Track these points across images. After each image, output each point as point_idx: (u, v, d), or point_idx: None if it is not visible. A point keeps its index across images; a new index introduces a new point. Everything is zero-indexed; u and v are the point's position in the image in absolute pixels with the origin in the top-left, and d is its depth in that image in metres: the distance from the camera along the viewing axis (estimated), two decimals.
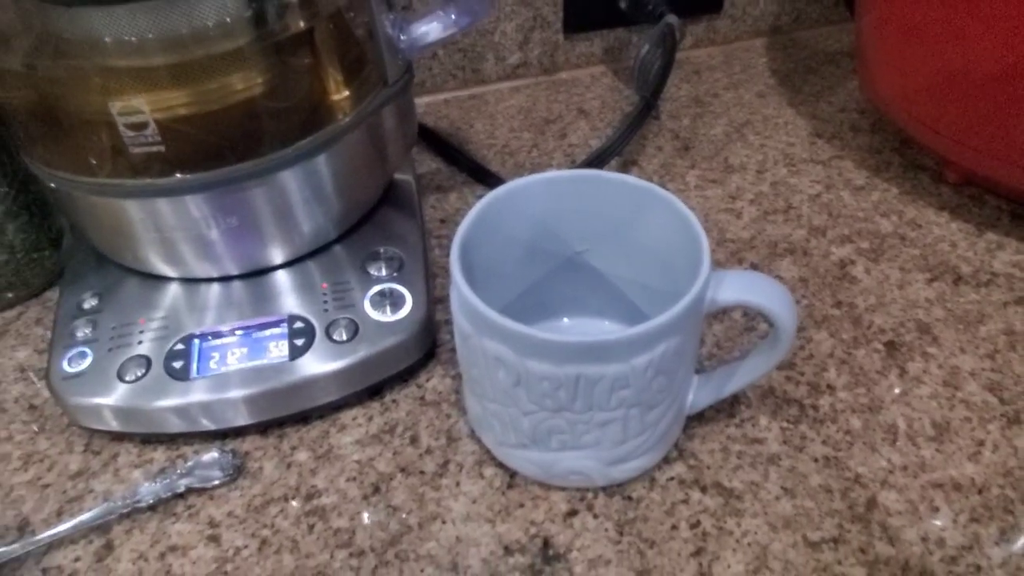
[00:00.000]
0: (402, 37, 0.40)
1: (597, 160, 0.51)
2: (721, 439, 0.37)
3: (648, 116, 0.53)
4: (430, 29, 0.39)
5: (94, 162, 0.36)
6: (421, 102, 0.62)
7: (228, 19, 0.34)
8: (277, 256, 0.40)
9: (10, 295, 0.45)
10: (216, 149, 0.36)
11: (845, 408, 0.38)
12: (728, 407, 0.38)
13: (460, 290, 0.30)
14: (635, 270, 0.37)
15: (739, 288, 0.31)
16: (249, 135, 0.36)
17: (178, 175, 0.35)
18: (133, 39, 0.33)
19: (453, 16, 0.39)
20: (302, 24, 0.36)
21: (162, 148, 0.33)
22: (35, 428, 0.39)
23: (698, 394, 0.35)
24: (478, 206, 0.33)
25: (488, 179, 0.52)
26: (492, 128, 0.59)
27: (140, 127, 0.32)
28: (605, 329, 0.40)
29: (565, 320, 0.40)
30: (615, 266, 0.38)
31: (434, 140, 0.56)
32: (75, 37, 0.33)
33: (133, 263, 0.40)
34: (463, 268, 0.31)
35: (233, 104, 0.35)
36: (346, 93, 0.39)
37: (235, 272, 0.40)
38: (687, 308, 0.29)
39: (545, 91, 0.63)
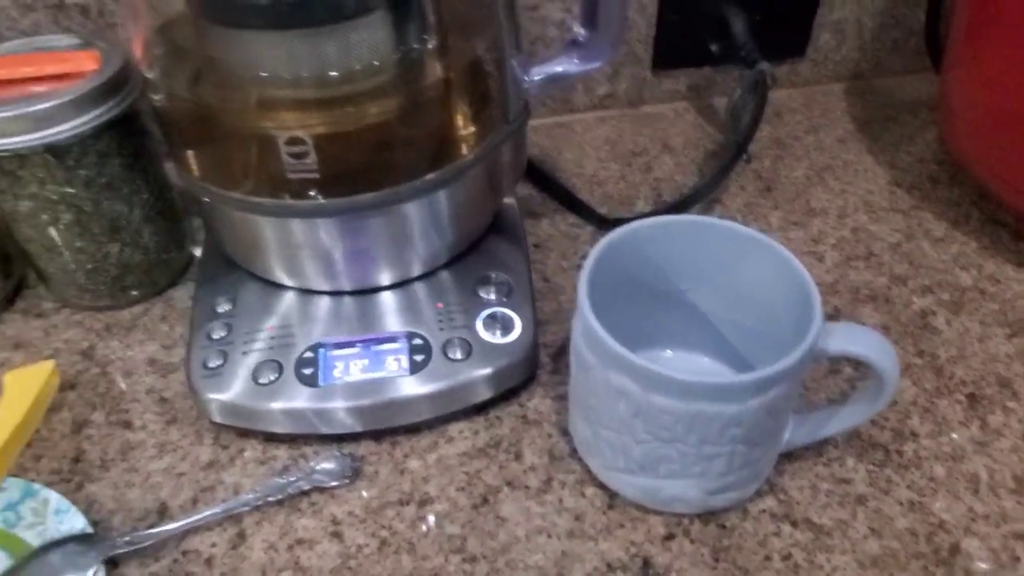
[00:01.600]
0: (525, 78, 0.43)
1: (689, 200, 0.53)
2: (810, 477, 0.39)
3: (739, 160, 0.55)
4: (557, 71, 0.42)
5: (242, 179, 0.39)
6: None
7: (377, 62, 0.36)
8: (387, 278, 0.43)
9: (135, 293, 0.49)
10: (353, 178, 0.38)
11: (928, 455, 0.40)
12: (816, 447, 0.40)
13: (589, 323, 0.33)
14: (734, 311, 0.40)
15: (847, 340, 0.33)
16: (383, 167, 0.39)
17: (317, 200, 0.38)
18: (288, 74, 0.36)
19: (576, 60, 0.42)
20: (442, 69, 0.38)
21: (317, 175, 0.36)
22: (167, 420, 0.42)
23: (795, 434, 0.37)
24: (603, 243, 0.36)
25: (580, 209, 0.55)
26: (580, 157, 0.62)
27: (302, 156, 0.35)
28: (704, 364, 0.42)
29: (668, 352, 0.42)
30: (715, 305, 0.40)
31: (528, 168, 0.59)
32: (237, 63, 0.36)
33: (262, 273, 0.43)
34: (591, 302, 0.33)
35: (374, 138, 0.38)
36: (472, 129, 0.41)
37: (347, 288, 0.43)
38: (803, 356, 0.31)
39: (631, 124, 0.66)
